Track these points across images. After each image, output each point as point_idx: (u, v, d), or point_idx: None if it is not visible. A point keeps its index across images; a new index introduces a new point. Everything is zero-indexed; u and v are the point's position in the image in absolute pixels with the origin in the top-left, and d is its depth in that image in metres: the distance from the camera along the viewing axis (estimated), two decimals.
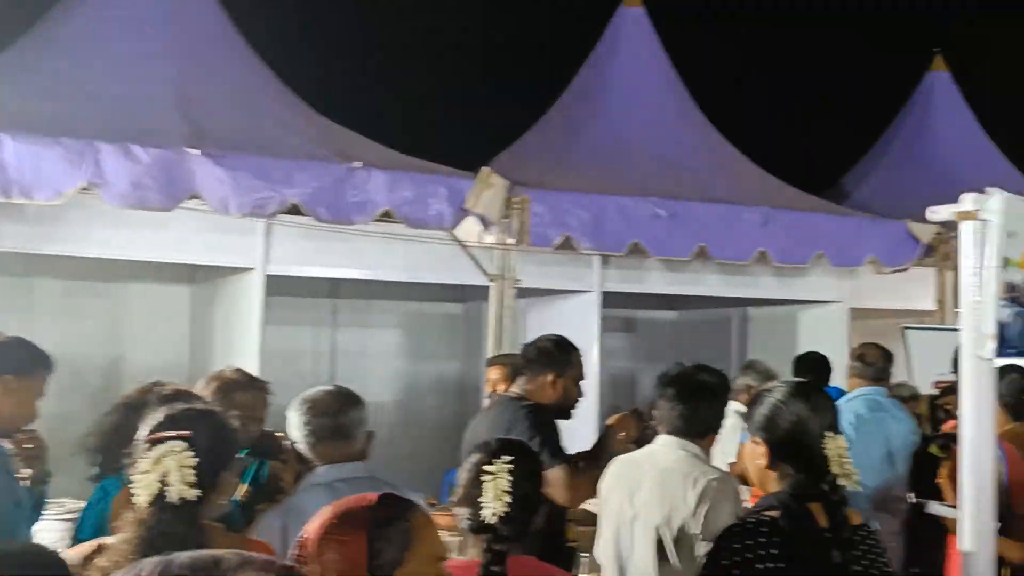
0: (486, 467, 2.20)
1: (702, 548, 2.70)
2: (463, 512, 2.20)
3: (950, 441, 4.78)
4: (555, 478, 3.28)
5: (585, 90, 6.46)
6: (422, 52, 8.65)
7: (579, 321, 6.24)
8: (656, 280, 6.33)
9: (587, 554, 4.75)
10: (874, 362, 5.07)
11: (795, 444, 2.19)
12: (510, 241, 5.14)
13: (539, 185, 5.25)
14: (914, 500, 5.16)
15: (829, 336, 6.72)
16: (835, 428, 2.24)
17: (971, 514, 2.41)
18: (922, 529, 4.97)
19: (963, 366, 2.42)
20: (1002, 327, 2.35)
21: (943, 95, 8.16)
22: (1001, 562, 3.90)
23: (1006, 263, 2.34)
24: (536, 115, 6.55)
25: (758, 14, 9.44)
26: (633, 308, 8.72)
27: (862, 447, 4.76)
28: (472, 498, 2.18)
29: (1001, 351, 2.36)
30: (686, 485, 2.83)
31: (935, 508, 3.97)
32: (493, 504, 2.14)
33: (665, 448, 2.99)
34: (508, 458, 2.21)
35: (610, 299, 6.98)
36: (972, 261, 2.39)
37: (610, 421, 3.75)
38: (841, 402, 4.93)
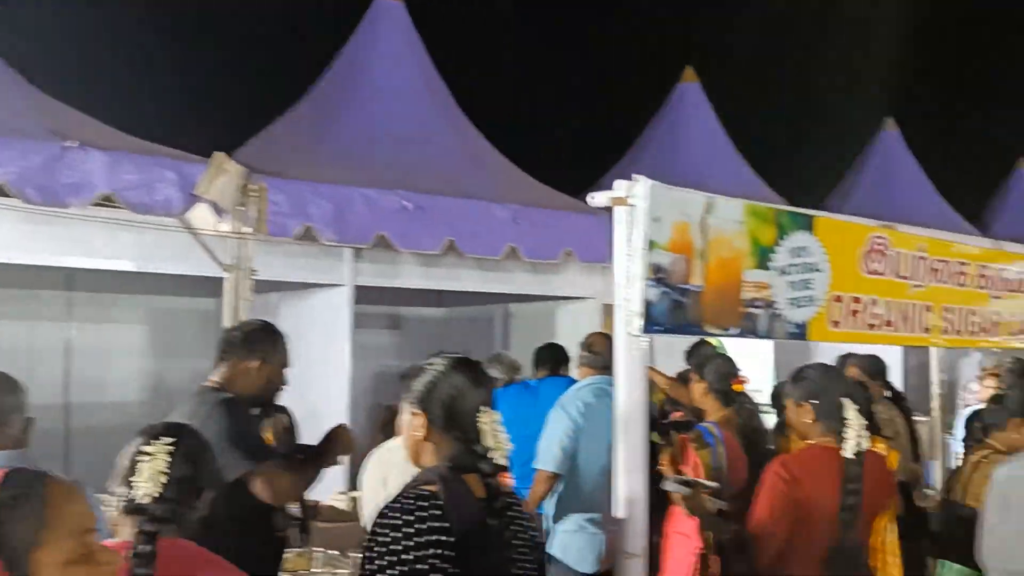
0: (144, 448, 2.18)
1: None
2: (119, 493, 2.17)
3: (675, 428, 5.06)
4: (255, 476, 3.22)
5: (338, 81, 6.39)
6: (174, 38, 8.29)
7: (332, 316, 6.18)
8: (412, 275, 6.34)
9: (321, 549, 4.71)
10: (601, 352, 5.25)
11: (453, 416, 2.24)
12: (246, 230, 4.99)
13: (278, 173, 5.13)
14: None
15: (585, 331, 6.95)
16: (491, 403, 2.30)
17: (623, 484, 2.52)
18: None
19: (616, 343, 2.54)
20: (650, 306, 2.48)
21: (692, 104, 8.65)
22: (720, 548, 4.16)
23: (652, 246, 2.48)
24: (288, 105, 6.42)
25: (523, 16, 9.68)
26: (400, 305, 8.72)
27: (590, 433, 4.95)
28: (127, 479, 2.16)
29: (648, 328, 2.49)
30: None
31: (668, 485, 4.16)
32: (147, 484, 2.14)
33: None
34: (169, 440, 2.21)
35: (376, 296, 6.93)
36: (624, 244, 2.51)
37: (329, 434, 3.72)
38: (571, 391, 5.13)
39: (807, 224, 2.95)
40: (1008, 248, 3.78)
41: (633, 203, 2.47)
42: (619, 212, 2.51)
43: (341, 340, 6.11)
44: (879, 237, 3.18)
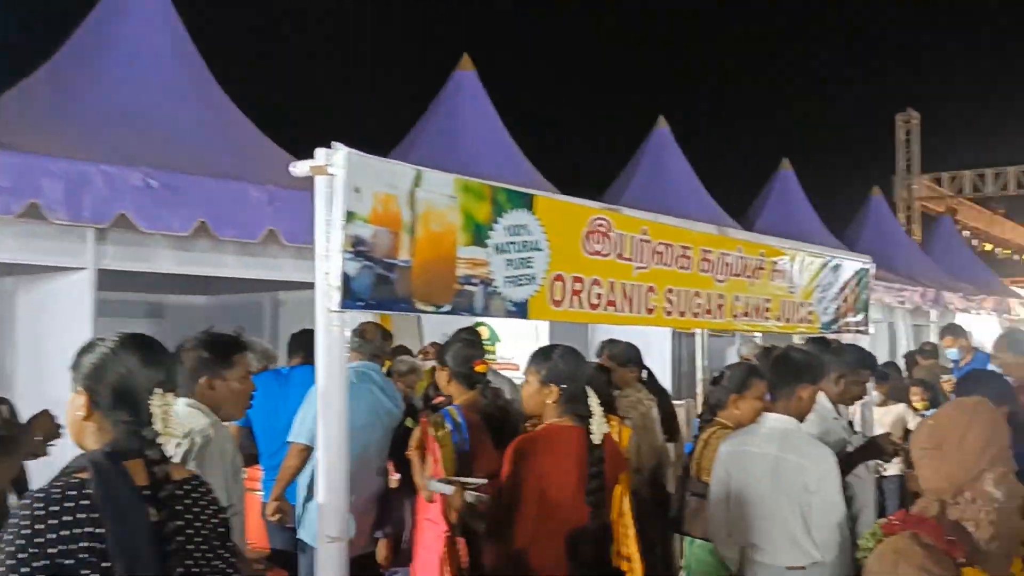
0: None
1: None
2: None
3: (426, 414, 5.03)
4: None
5: (80, 51, 5.92)
6: None
7: (74, 302, 5.73)
8: (164, 259, 5.96)
9: None
10: (372, 340, 5.35)
11: (120, 397, 2.07)
12: None
13: None
14: (393, 472, 5.39)
15: (358, 319, 6.82)
16: (168, 385, 2.15)
17: (323, 465, 2.42)
18: (393, 495, 5.24)
19: (317, 318, 2.44)
20: (350, 280, 2.39)
21: (468, 92, 8.67)
22: (466, 531, 4.14)
23: (351, 217, 2.38)
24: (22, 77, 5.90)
25: None
26: (161, 292, 8.27)
27: (348, 412, 4.94)
28: None
29: (349, 304, 2.40)
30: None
31: (432, 485, 4.11)
32: None
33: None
34: None
35: (132, 282, 6.47)
36: (324, 215, 2.41)
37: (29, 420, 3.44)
38: None
39: (526, 202, 2.95)
40: (731, 234, 3.95)
41: (332, 172, 2.37)
42: (319, 182, 2.40)
43: (82, 327, 5.67)
44: (600, 219, 3.23)
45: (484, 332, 7.88)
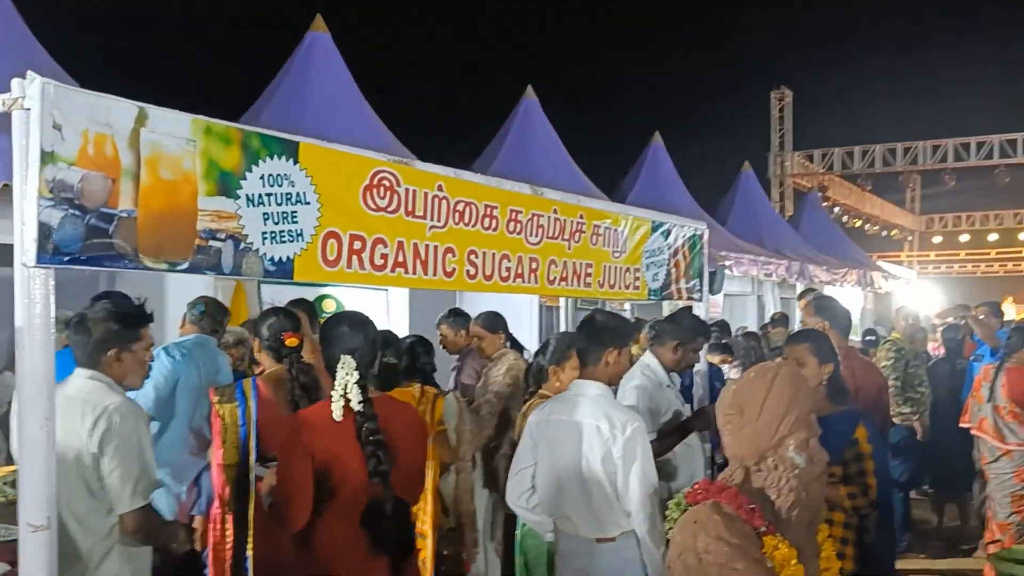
0: None
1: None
2: None
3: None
4: None
5: None
6: None
7: None
8: None
9: None
10: (213, 314, 5.31)
11: None
12: None
13: None
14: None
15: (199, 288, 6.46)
16: None
17: (27, 446, 2.13)
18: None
19: (15, 275, 2.13)
20: (51, 231, 2.10)
21: (321, 53, 8.30)
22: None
23: (51, 159, 2.08)
24: None
25: None
26: None
27: (188, 381, 4.96)
28: None
29: (49, 258, 2.10)
30: (84, 410, 2.95)
31: (257, 468, 3.85)
32: None
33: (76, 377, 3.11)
34: None
35: None
36: (21, 156, 2.10)
37: None
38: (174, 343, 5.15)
39: (288, 150, 2.68)
40: (547, 195, 3.77)
41: (28, 106, 2.06)
42: (16, 118, 2.09)
43: None
44: (386, 172, 2.99)
45: (330, 304, 7.59)
